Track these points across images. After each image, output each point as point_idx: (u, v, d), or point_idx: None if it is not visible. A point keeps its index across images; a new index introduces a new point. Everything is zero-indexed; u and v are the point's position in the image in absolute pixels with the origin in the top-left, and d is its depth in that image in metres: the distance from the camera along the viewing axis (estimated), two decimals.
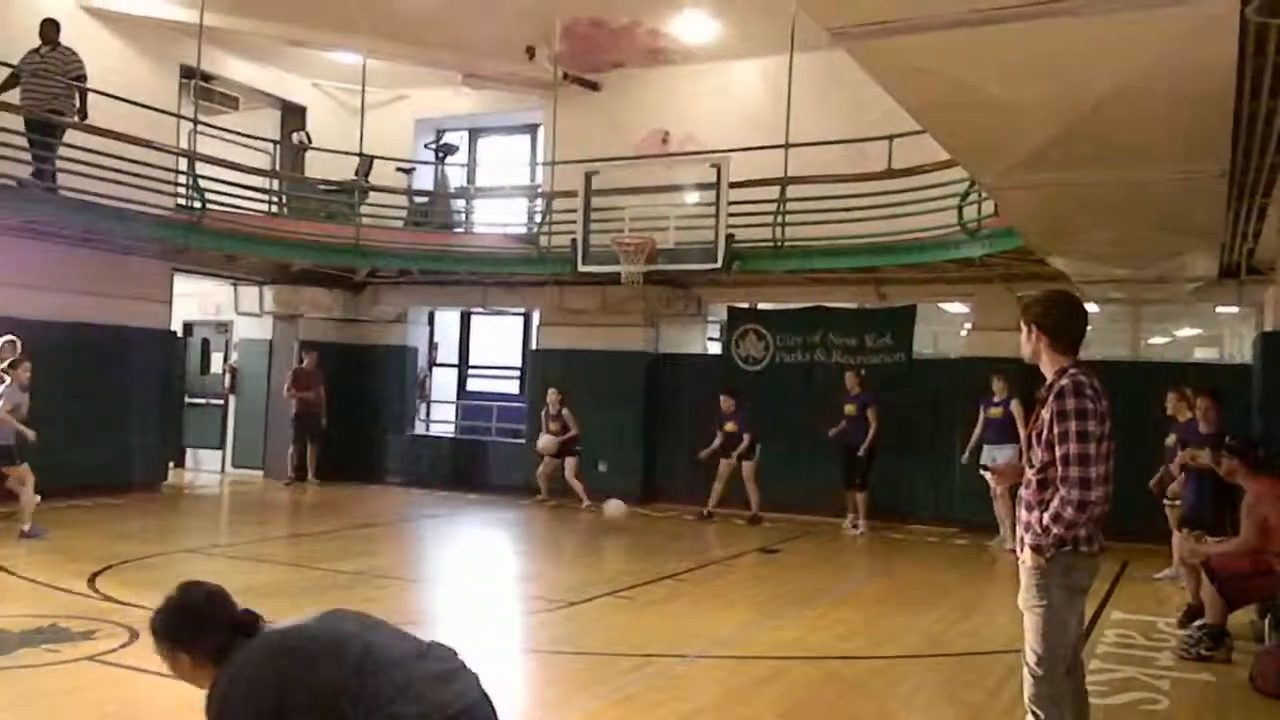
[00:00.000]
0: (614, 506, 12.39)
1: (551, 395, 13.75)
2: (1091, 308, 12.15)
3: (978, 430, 11.25)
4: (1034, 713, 3.69)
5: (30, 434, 9.64)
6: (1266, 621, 6.83)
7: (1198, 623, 7.03)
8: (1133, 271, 10.10)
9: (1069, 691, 3.75)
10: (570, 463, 13.58)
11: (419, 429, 16.98)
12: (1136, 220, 7.52)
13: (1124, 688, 5.98)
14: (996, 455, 10.71)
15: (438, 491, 15.05)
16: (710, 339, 15.40)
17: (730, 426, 12.63)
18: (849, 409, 12.08)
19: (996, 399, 11.14)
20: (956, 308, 14.44)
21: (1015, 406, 10.89)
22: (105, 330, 13.06)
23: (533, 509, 13.48)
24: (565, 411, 13.60)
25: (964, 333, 13.69)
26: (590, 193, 13.11)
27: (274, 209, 15.11)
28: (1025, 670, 3.73)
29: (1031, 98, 4.65)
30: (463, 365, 17.60)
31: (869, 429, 11.85)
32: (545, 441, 13.74)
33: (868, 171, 11.97)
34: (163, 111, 12.95)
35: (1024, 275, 11.52)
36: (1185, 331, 15.36)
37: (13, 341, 10.06)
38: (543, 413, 13.89)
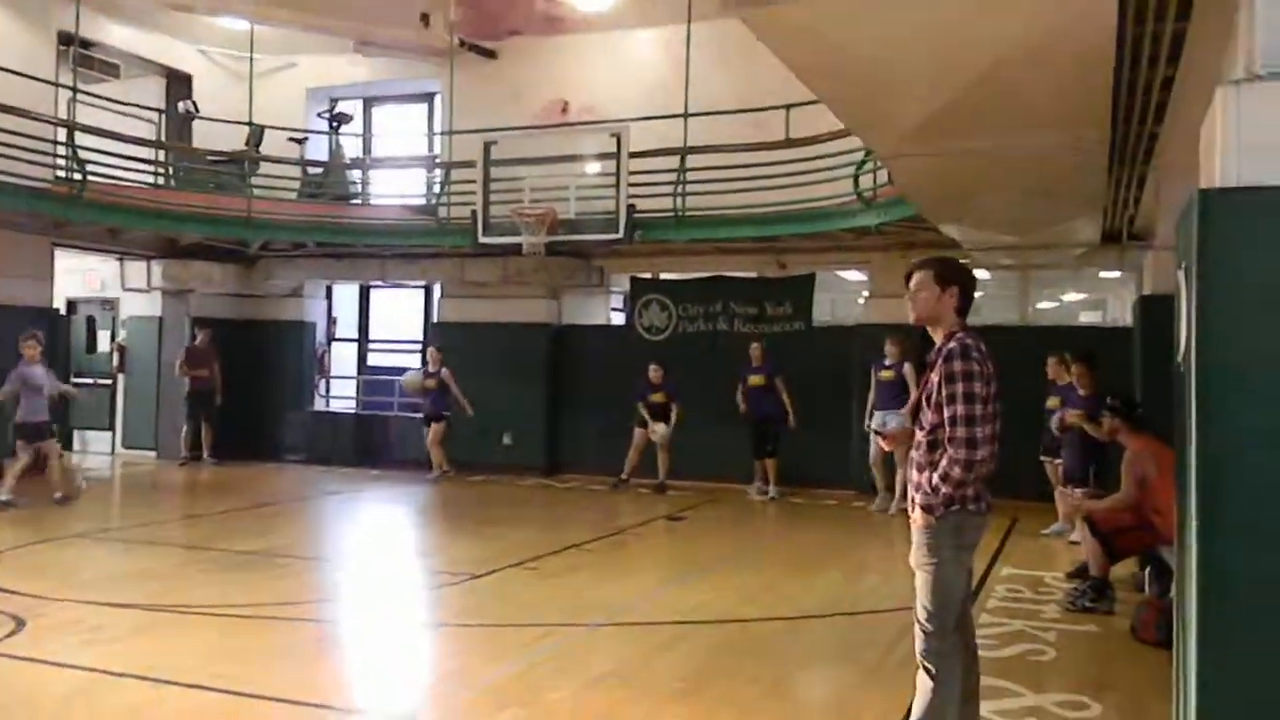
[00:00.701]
0: (659, 434, 12.51)
1: (431, 353, 13.77)
2: (982, 274, 12.53)
3: (871, 394, 11.30)
4: (925, 667, 3.80)
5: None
6: (1146, 573, 7.15)
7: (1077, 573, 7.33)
8: (1020, 238, 10.41)
9: (959, 646, 3.86)
10: (436, 429, 13.52)
11: (319, 405, 16.66)
12: (1022, 188, 7.73)
13: (1012, 640, 6.20)
14: (888, 420, 10.80)
15: (339, 469, 14.79)
16: (614, 309, 15.41)
17: (658, 397, 12.62)
18: (755, 380, 12.12)
19: (888, 361, 11.16)
20: (854, 275, 14.70)
21: (908, 370, 10.95)
22: None
23: (440, 484, 13.34)
24: (445, 371, 13.47)
25: (861, 300, 13.94)
26: (489, 163, 12.93)
27: (160, 181, 14.58)
28: (916, 626, 3.83)
29: (918, 64, 4.72)
30: (363, 340, 17.29)
31: (777, 398, 11.92)
32: (411, 376, 13.75)
33: (766, 141, 12.07)
34: (40, 80, 12.36)
35: (919, 243, 11.75)
36: (1071, 296, 15.90)
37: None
38: (421, 369, 13.82)
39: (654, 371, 12.71)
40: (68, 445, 15.85)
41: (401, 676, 5.74)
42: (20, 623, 6.16)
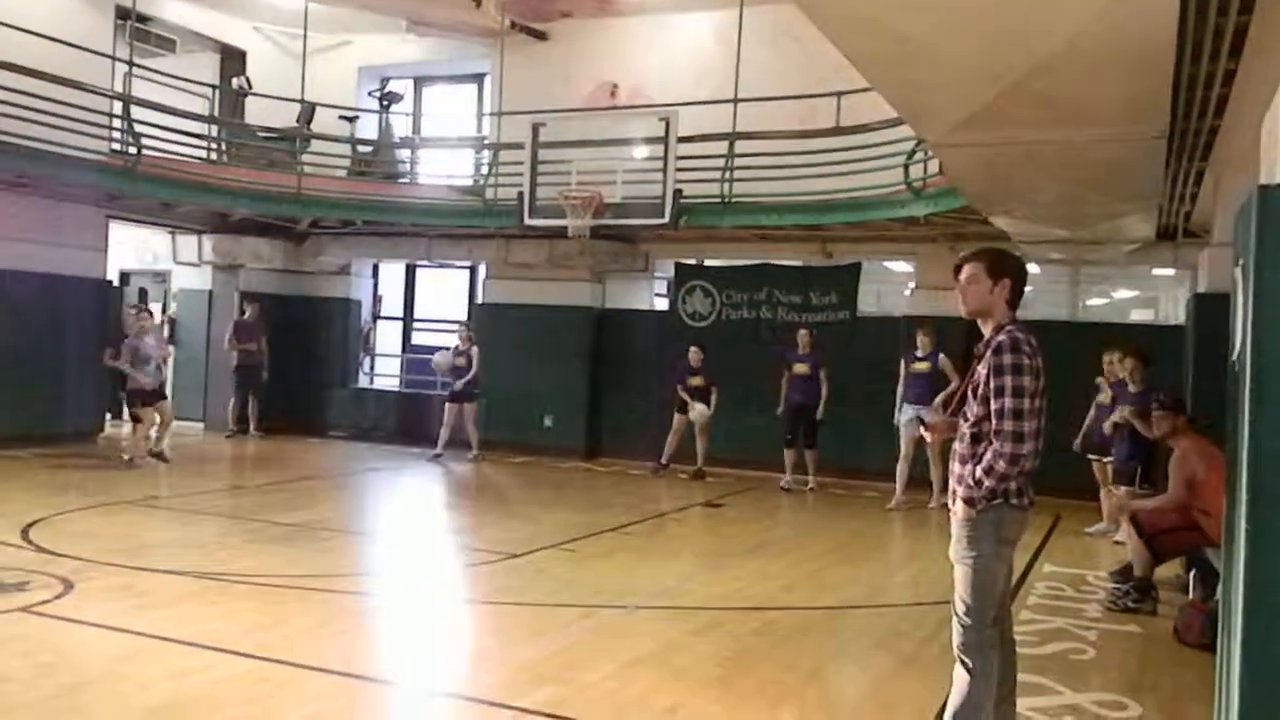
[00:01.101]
0: (698, 412, 12.48)
1: (461, 332, 13.75)
2: (1032, 268, 12.36)
3: (900, 387, 11.02)
4: (962, 660, 3.78)
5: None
6: (1192, 575, 7.04)
7: (1121, 573, 7.24)
8: (1073, 232, 10.25)
9: (996, 640, 3.84)
10: (469, 409, 13.49)
11: (363, 382, 16.84)
12: (1077, 181, 7.61)
13: (1052, 638, 6.15)
14: (923, 414, 10.39)
15: (382, 445, 14.96)
16: (657, 295, 15.39)
17: (697, 381, 12.57)
18: (800, 368, 11.95)
19: (921, 353, 10.92)
20: (901, 266, 14.57)
21: (944, 361, 10.72)
22: (38, 278, 12.76)
23: (481, 462, 13.43)
24: (475, 350, 13.47)
25: (908, 291, 13.82)
26: (537, 145, 12.96)
27: (213, 156, 14.78)
28: (954, 620, 3.81)
29: (974, 53, 4.66)
30: (407, 318, 17.44)
31: (820, 388, 11.79)
32: (440, 357, 13.77)
33: (816, 128, 11.98)
34: (97, 53, 12.54)
35: (968, 235, 11.63)
36: (1122, 293, 15.64)
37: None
38: (452, 349, 13.78)
39: (694, 354, 12.66)
40: (117, 414, 16.20)
41: (439, 651, 5.80)
42: (69, 585, 6.31)
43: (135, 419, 11.88)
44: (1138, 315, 16.07)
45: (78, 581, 6.42)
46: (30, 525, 8.06)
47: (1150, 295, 15.83)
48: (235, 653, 5.18)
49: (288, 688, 4.76)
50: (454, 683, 5.06)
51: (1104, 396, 9.54)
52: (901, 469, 11.01)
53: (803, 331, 12.18)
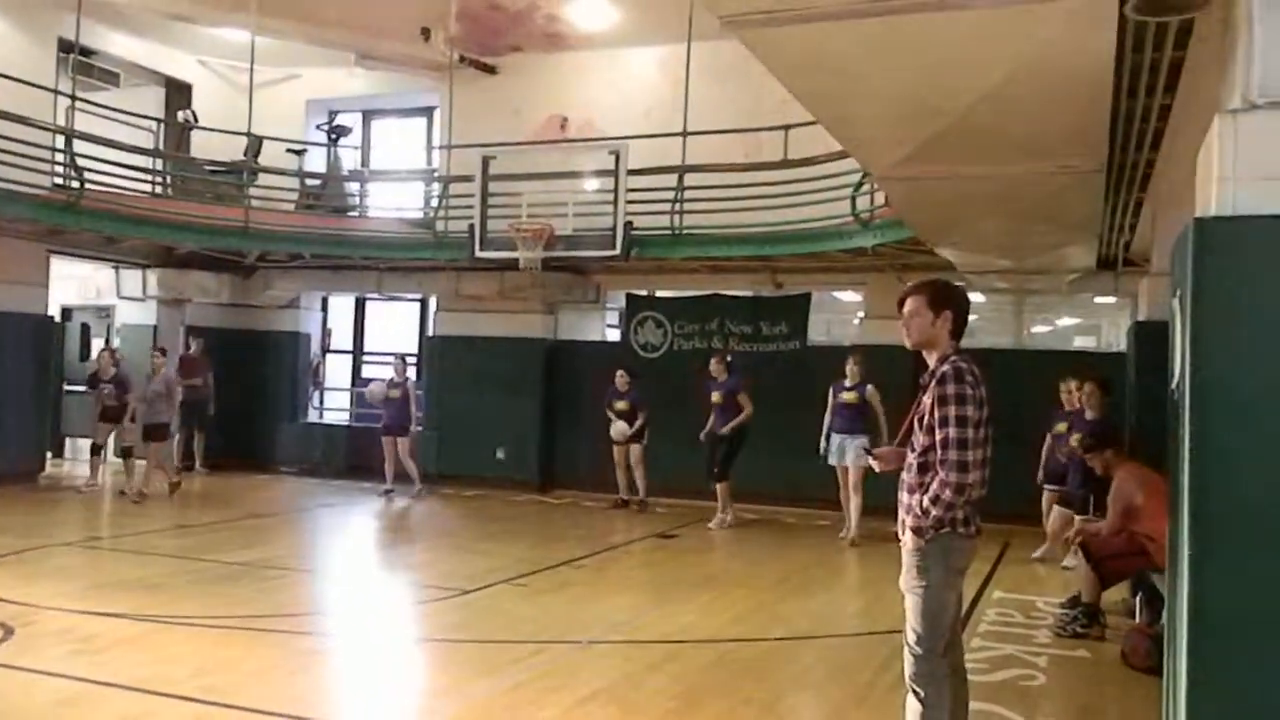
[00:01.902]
0: (616, 430, 12.32)
1: (396, 364, 13.58)
2: (978, 297, 12.57)
3: (828, 417, 10.77)
4: (914, 690, 3.80)
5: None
6: (1138, 599, 7.15)
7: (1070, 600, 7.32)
8: (1016, 262, 10.44)
9: (947, 669, 3.86)
10: (404, 442, 13.27)
11: (312, 417, 16.64)
12: (1018, 213, 7.75)
13: (1003, 665, 6.20)
14: (848, 444, 10.42)
15: (331, 481, 14.77)
16: (609, 326, 15.41)
17: (622, 405, 12.40)
18: (715, 397, 11.60)
19: (849, 383, 10.69)
20: (850, 296, 14.73)
21: (871, 393, 10.57)
22: None
23: (424, 496, 13.30)
24: (410, 382, 13.33)
25: (857, 320, 13.97)
26: (487, 177, 12.98)
27: (158, 190, 14.60)
28: (906, 649, 3.83)
29: (913, 86, 4.74)
30: (357, 352, 17.28)
31: (734, 417, 11.43)
32: (374, 387, 13.61)
33: (763, 161, 12.12)
34: (39, 86, 12.35)
35: (915, 265, 11.79)
36: (1065, 321, 15.96)
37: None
38: (386, 380, 13.57)
39: (620, 378, 12.51)
40: (59, 453, 15.87)
41: (390, 691, 5.71)
42: (9, 630, 6.14)
43: (129, 455, 12.64)
44: (1081, 342, 16.40)
45: (17, 626, 6.24)
46: None
47: (1093, 323, 16.18)
48: (181, 697, 5.07)
49: None
50: None
51: (1061, 426, 9.52)
52: (846, 499, 10.82)
53: (714, 359, 11.88)
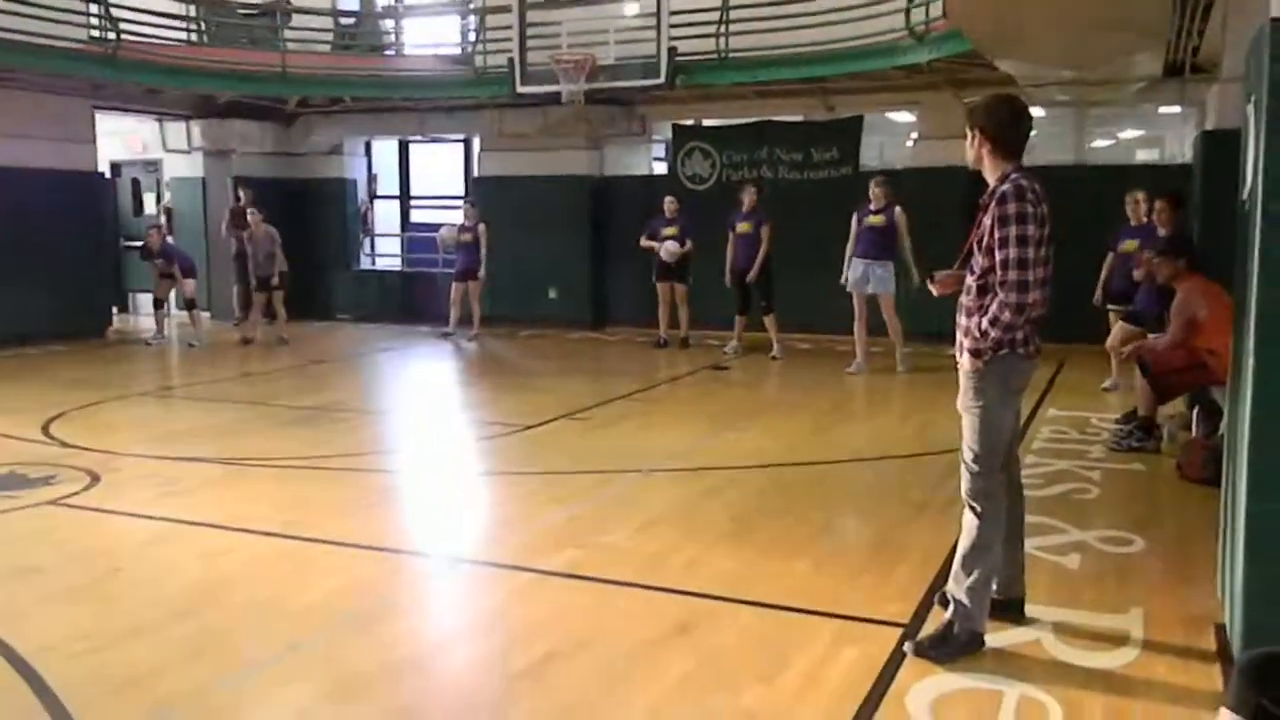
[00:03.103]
0: (666, 250, 12.10)
1: (466, 208, 13.50)
2: (1038, 112, 12.13)
3: (850, 243, 10.50)
4: (971, 506, 3.86)
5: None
6: (1194, 412, 7.13)
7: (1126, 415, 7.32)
8: (1079, 72, 10.03)
9: (1003, 485, 3.91)
10: (474, 286, 13.30)
11: (364, 264, 16.79)
12: (1083, 18, 7.40)
13: (1057, 479, 6.27)
14: (874, 270, 10.26)
15: (388, 326, 15.02)
16: (656, 159, 15.18)
17: (670, 231, 12.12)
18: (743, 227, 11.41)
19: (874, 207, 10.39)
20: (904, 117, 14.30)
21: (899, 214, 10.31)
22: (29, 174, 12.61)
23: (488, 339, 13.48)
24: (481, 226, 13.16)
25: (911, 143, 13.61)
26: (525, 7, 12.59)
27: (193, 37, 14.39)
28: (963, 467, 3.88)
29: None
30: (404, 196, 17.25)
31: (759, 247, 11.31)
32: (446, 232, 13.56)
33: None
34: None
35: (972, 81, 11.37)
36: (1128, 133, 15.39)
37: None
38: (458, 225, 13.49)
39: (669, 203, 12.30)
40: (124, 307, 16.27)
41: (460, 521, 5.95)
42: (95, 477, 6.43)
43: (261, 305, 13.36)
44: (1144, 155, 15.85)
45: (103, 473, 6.54)
46: (51, 420, 8.17)
47: (1156, 135, 15.59)
48: (262, 533, 5.32)
49: (316, 563, 4.90)
50: (476, 550, 5.20)
51: (1130, 244, 9.15)
52: (858, 330, 10.69)
53: (748, 188, 11.74)
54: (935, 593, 4.29)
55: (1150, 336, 7.82)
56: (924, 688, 3.54)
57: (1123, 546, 5.06)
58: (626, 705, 3.45)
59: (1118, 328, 8.86)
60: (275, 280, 13.09)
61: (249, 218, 13.15)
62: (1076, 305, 9.86)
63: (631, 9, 12.54)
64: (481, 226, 13.17)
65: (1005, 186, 3.76)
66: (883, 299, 10.44)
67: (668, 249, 12.10)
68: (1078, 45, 8.53)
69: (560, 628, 4.10)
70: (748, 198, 11.60)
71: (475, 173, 15.49)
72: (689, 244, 12.11)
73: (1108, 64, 9.61)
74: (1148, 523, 5.45)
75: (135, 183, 16.49)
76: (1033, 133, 3.95)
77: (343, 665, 3.75)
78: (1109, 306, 9.28)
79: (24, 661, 3.74)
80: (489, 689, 3.63)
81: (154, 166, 16.34)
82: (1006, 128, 3.85)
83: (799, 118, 13.65)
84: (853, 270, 10.50)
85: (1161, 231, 8.52)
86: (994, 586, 3.96)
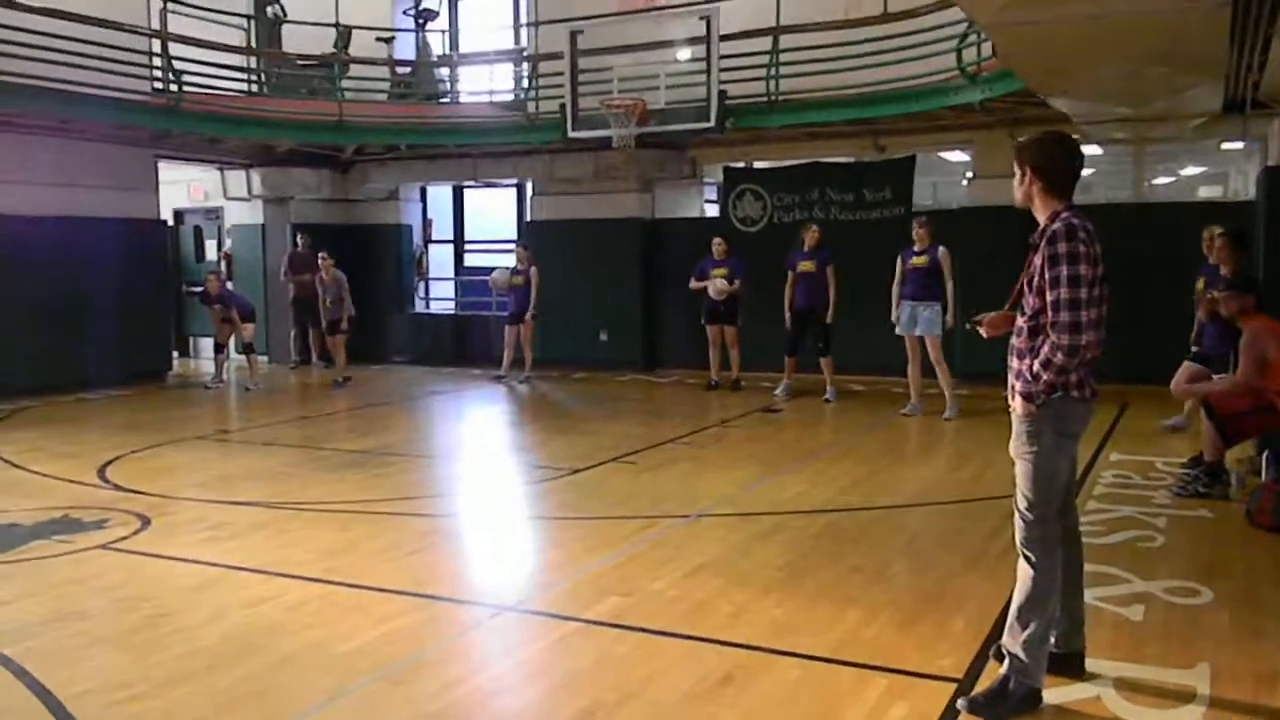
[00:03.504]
0: (716, 287, 12.07)
1: (518, 251, 13.53)
2: (1095, 150, 11.95)
3: (896, 285, 10.38)
4: (1025, 556, 3.72)
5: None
6: (1264, 457, 6.87)
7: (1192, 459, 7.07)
8: (1135, 109, 9.83)
9: (1059, 534, 3.77)
10: (525, 329, 13.30)
11: (419, 307, 16.95)
12: (1137, 55, 7.27)
13: (1120, 527, 6.06)
14: (921, 312, 10.11)
15: (442, 369, 15.13)
16: (707, 201, 15.18)
17: (720, 272, 12.07)
18: (805, 265, 11.36)
19: (918, 248, 10.23)
20: (957, 156, 14.17)
21: (943, 254, 10.13)
22: (95, 223, 12.95)
23: (539, 381, 13.50)
24: (533, 270, 13.15)
25: (965, 181, 13.46)
26: (576, 53, 12.71)
27: (253, 88, 14.74)
28: (1017, 515, 3.75)
29: None
30: (458, 241, 17.43)
31: (827, 289, 11.23)
32: (499, 275, 13.61)
33: (862, 17, 11.57)
34: None
35: (1026, 119, 11.24)
36: (1189, 170, 15.09)
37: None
38: (510, 268, 13.53)
39: (717, 246, 12.23)
40: (184, 351, 16.58)
41: (506, 567, 5.90)
42: (146, 521, 6.49)
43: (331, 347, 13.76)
44: (1206, 192, 15.52)
45: (154, 516, 6.60)
46: (107, 464, 8.31)
47: (1219, 170, 15.27)
48: (307, 578, 5.31)
49: (360, 610, 4.87)
50: (520, 597, 5.13)
51: (1201, 283, 8.77)
52: (916, 370, 10.52)
53: (811, 227, 11.63)
54: (990, 645, 4.14)
55: (1215, 377, 7.58)
56: None
57: (1189, 598, 4.86)
58: None
59: (1184, 367, 8.59)
60: (344, 325, 13.40)
61: (320, 262, 13.44)
62: (1138, 346, 9.64)
63: (683, 54, 12.58)
64: (533, 269, 13.19)
65: (1056, 225, 3.67)
66: (929, 342, 10.23)
67: (716, 286, 12.05)
68: (1131, 82, 8.37)
69: (603, 679, 4.02)
70: (809, 236, 11.54)
71: (528, 216, 15.61)
72: (737, 283, 12.07)
73: (1164, 100, 9.42)
74: (1216, 572, 5.23)
75: (198, 230, 16.86)
76: (1088, 170, 3.86)
77: (383, 717, 3.69)
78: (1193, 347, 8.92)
79: (63, 707, 3.74)
80: None
81: (215, 214, 16.71)
82: (1056, 165, 3.76)
83: (850, 158, 13.57)
84: (901, 312, 10.37)
85: (1223, 270, 8.27)
86: (1052, 639, 3.81)
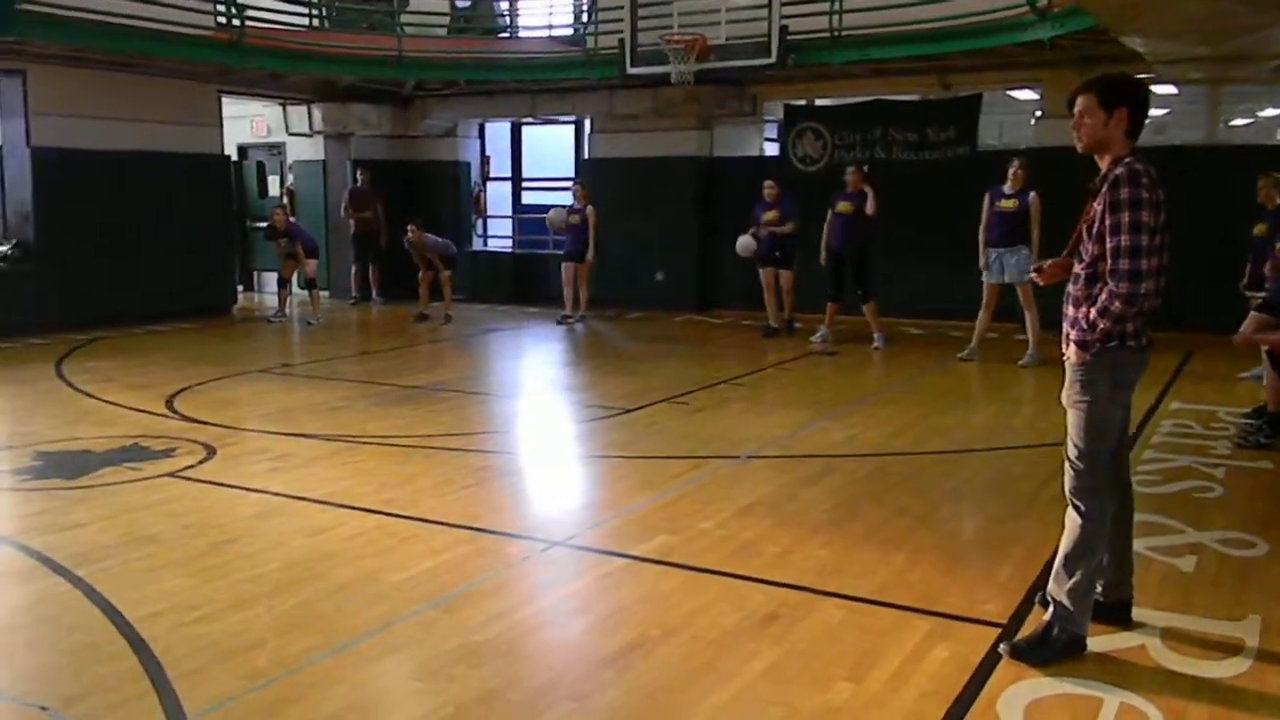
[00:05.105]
0: (741, 244, 11.94)
1: (576, 188, 13.43)
2: (1169, 89, 11.58)
3: (983, 228, 9.99)
4: (1074, 504, 3.71)
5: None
6: None
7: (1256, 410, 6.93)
8: (1211, 49, 9.49)
9: (1110, 484, 3.74)
10: (584, 268, 13.23)
11: (477, 245, 17.05)
12: None
13: (1177, 477, 5.99)
14: (1007, 259, 9.80)
15: (499, 306, 15.26)
16: (767, 139, 15.01)
17: (770, 215, 11.75)
18: (844, 206, 10.95)
19: (1009, 189, 9.87)
20: (1026, 94, 13.82)
21: (1033, 199, 9.73)
22: (160, 158, 13.17)
23: (594, 320, 13.56)
24: (590, 208, 13.05)
25: (1033, 121, 13.14)
26: None
27: (315, 23, 14.79)
28: (1067, 463, 3.73)
29: None
30: (516, 178, 17.45)
31: (869, 226, 10.83)
32: (555, 214, 13.58)
33: None
34: None
35: (1098, 56, 10.89)
36: (1267, 112, 14.58)
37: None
38: (567, 206, 13.44)
39: (768, 188, 11.89)
40: (249, 286, 16.91)
41: (557, 503, 6.00)
42: (211, 451, 6.70)
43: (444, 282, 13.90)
44: None
45: (219, 446, 6.80)
46: (174, 395, 8.55)
47: None
48: (365, 509, 5.46)
49: (415, 541, 5.00)
50: (570, 533, 5.22)
51: (1260, 227, 8.70)
52: (983, 318, 10.26)
53: (853, 169, 11.24)
54: (1036, 592, 4.15)
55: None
56: (1018, 691, 3.42)
57: (1244, 549, 4.81)
58: (709, 695, 3.42)
59: (1251, 317, 8.39)
60: (445, 272, 13.79)
61: (410, 233, 13.42)
62: (1207, 292, 9.42)
63: None
64: (590, 209, 13.09)
65: (1119, 170, 3.59)
66: (1021, 289, 9.88)
67: (743, 244, 11.82)
68: (1208, 19, 8.07)
69: (647, 614, 4.10)
70: (855, 178, 11.14)
71: (586, 154, 15.56)
72: (790, 224, 11.76)
73: (1244, 38, 9.07)
74: (1272, 525, 5.16)
75: (260, 165, 17.07)
76: (1161, 110, 3.76)
77: (433, 645, 3.81)
78: (1247, 293, 8.73)
79: (131, 627, 3.91)
80: (574, 673, 3.65)
81: (278, 150, 16.88)
82: (1145, 107, 3.68)
83: (914, 96, 13.30)
84: (991, 259, 10.01)
85: None
86: (1098, 588, 3.81)
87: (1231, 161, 11.21)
